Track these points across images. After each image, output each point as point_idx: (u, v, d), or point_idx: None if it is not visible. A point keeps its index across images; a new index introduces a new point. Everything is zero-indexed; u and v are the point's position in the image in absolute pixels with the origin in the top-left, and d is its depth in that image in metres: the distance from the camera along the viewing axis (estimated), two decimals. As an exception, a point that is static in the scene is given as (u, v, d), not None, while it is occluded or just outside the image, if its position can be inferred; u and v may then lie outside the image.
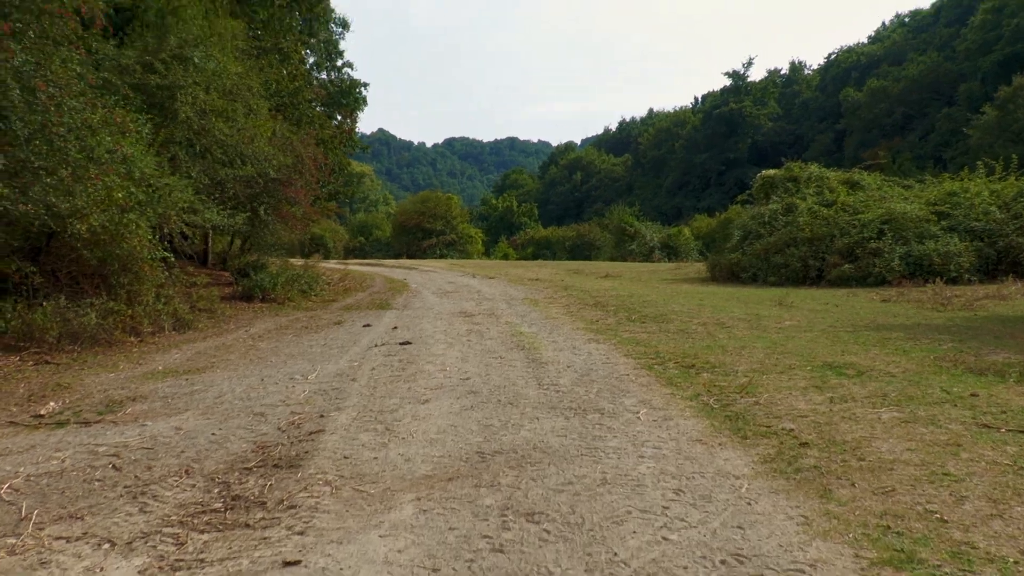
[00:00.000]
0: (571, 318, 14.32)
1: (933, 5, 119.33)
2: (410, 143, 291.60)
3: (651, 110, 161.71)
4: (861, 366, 8.25)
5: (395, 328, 13.20)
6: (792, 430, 5.68)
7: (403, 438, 5.82)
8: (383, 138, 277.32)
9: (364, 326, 13.75)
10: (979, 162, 25.78)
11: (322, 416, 6.70)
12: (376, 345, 11.05)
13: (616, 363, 8.98)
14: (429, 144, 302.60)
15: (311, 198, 20.19)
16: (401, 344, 11.05)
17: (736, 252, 25.73)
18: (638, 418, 6.22)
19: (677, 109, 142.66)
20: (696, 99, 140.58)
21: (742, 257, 25.19)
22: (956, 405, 6.33)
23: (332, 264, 43.92)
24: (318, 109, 27.26)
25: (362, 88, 28.22)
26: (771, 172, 29.29)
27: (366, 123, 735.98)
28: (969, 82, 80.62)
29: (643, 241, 56.58)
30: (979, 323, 12.09)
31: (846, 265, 21.86)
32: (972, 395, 6.65)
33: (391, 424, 6.31)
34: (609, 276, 30.10)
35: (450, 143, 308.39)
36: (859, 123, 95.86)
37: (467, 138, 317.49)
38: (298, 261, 44.40)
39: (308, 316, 15.83)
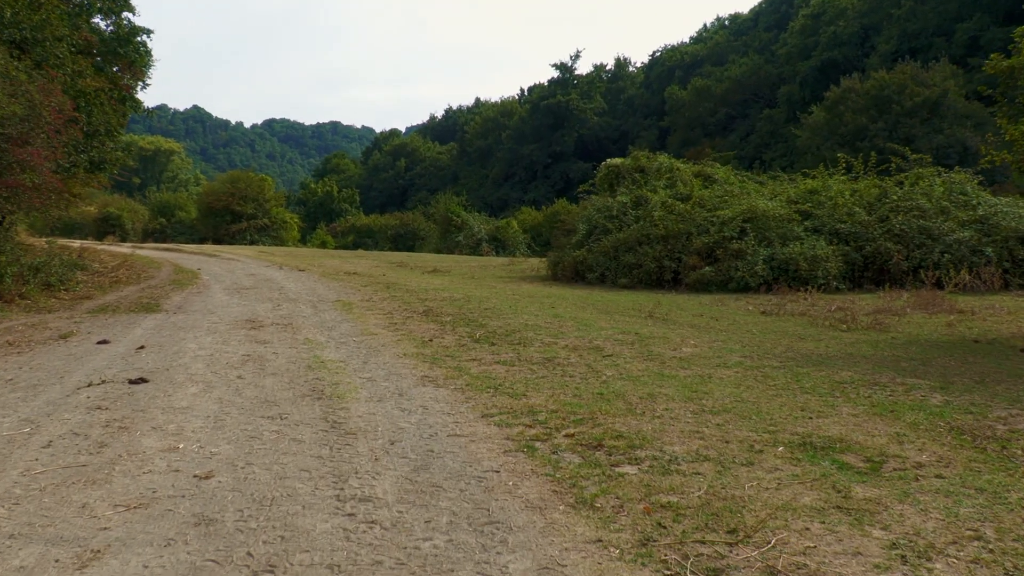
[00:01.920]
0: (395, 334, 10.70)
1: (752, 10, 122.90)
2: (227, 122, 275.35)
3: (478, 99, 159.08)
4: (863, 447, 5.14)
5: (141, 348, 9.17)
6: None
7: None
8: (198, 115, 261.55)
9: (98, 343, 9.62)
10: (840, 155, 23.99)
11: None
12: (91, 384, 7.06)
13: (472, 435, 5.46)
14: (248, 124, 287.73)
15: (57, 164, 15.46)
16: (132, 383, 7.12)
17: (581, 249, 22.81)
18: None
19: (504, 99, 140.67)
20: (523, 90, 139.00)
21: (588, 255, 22.29)
22: None
23: (120, 248, 38.27)
24: (95, 58, 22.22)
25: (145, 36, 23.18)
26: (616, 161, 26.65)
27: (179, 98, 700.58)
28: (789, 85, 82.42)
29: (470, 233, 53.58)
30: (914, 352, 9.45)
31: (706, 268, 19.35)
32: None
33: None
34: (437, 271, 26.63)
35: (270, 124, 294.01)
36: (683, 121, 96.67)
37: (288, 120, 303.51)
38: (77, 243, 38.58)
39: (29, 323, 11.45)
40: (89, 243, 41.73)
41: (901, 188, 21.29)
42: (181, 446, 5.14)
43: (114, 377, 7.40)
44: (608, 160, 27.00)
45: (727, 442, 5.25)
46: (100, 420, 5.79)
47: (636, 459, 4.87)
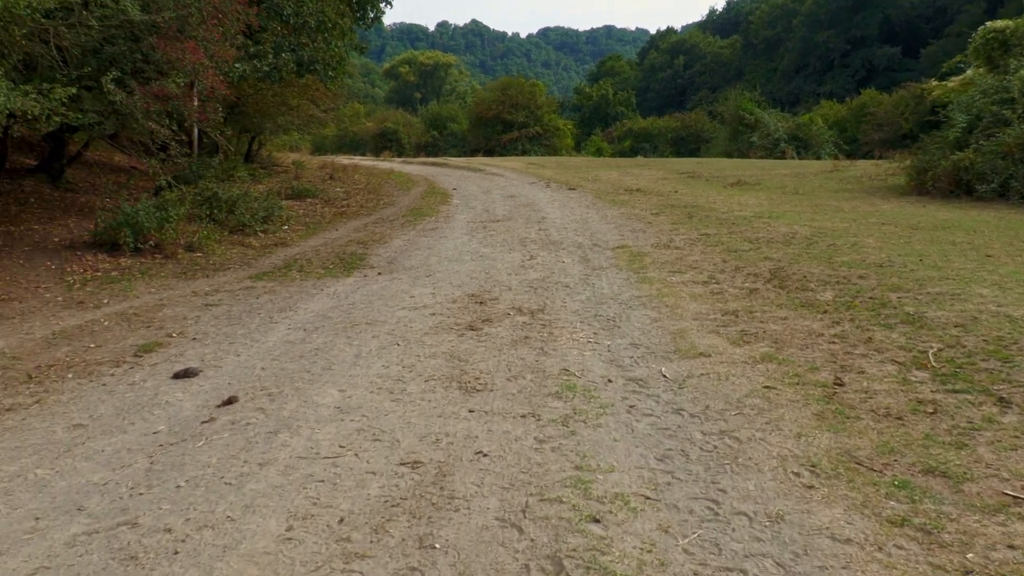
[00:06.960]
0: (744, 352, 5.24)
1: None
2: (504, 34, 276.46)
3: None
4: None
5: (227, 403, 4.43)
6: None
7: None
8: (476, 29, 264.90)
9: (173, 377, 5.05)
10: None
11: None
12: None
13: None
14: (523, 35, 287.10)
15: (225, 64, 11.14)
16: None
17: (966, 150, 15.83)
18: None
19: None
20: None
21: (976, 158, 15.34)
22: None
23: (386, 164, 35.43)
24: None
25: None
26: (1000, 24, 18.98)
27: (459, 14, 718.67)
28: None
29: (765, 132, 45.91)
30: None
31: None
32: None
33: None
34: (742, 184, 20.57)
35: (544, 33, 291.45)
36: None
37: (562, 27, 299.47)
38: (345, 160, 36.25)
39: (128, 312, 7.19)
40: (356, 160, 39.49)
41: None
42: None
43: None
44: (987, 24, 19.35)
45: None
46: None
47: None
